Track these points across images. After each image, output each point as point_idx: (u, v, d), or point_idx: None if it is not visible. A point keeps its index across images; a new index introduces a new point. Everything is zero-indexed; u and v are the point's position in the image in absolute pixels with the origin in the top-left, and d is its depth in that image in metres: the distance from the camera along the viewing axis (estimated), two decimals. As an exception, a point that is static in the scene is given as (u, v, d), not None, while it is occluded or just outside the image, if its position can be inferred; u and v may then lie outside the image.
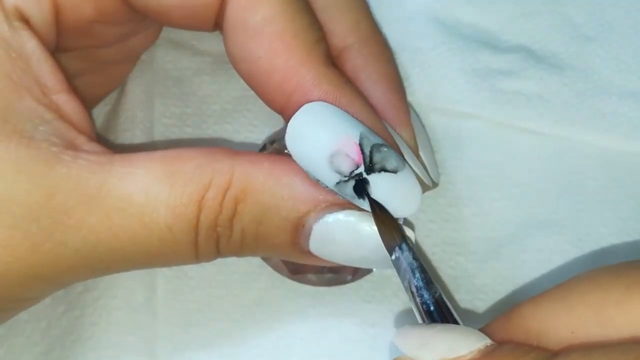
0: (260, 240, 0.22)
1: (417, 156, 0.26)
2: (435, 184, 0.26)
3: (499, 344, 0.19)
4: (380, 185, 0.21)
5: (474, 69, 0.29)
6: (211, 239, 0.22)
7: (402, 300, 0.27)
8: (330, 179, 0.21)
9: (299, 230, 0.22)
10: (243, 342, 0.26)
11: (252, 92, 0.30)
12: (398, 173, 0.21)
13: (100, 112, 0.30)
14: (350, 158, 0.21)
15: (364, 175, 0.21)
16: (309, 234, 0.22)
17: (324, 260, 0.23)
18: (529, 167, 0.29)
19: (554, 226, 0.28)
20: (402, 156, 0.22)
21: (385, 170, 0.21)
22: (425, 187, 0.25)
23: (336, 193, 0.21)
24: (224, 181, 0.21)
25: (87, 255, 0.21)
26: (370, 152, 0.21)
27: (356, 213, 0.22)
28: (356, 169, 0.21)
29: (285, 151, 0.22)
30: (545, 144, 0.29)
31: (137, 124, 0.29)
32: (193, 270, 0.27)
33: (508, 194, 0.28)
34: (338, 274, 0.27)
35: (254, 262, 0.27)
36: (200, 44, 0.31)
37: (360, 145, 0.21)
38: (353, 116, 0.22)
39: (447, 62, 0.30)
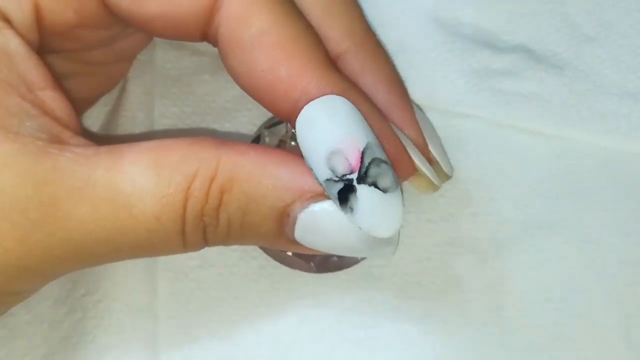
0: (246, 229, 0.22)
1: (427, 153, 0.26)
2: (448, 177, 0.27)
3: None
4: (365, 198, 0.21)
5: (474, 69, 0.29)
6: (198, 228, 0.22)
7: (402, 300, 0.27)
8: (322, 173, 0.21)
9: (284, 220, 0.22)
10: (243, 343, 0.27)
11: (251, 91, 0.30)
12: (387, 193, 0.21)
13: (100, 112, 0.30)
14: (348, 162, 0.21)
15: (354, 182, 0.21)
16: (294, 223, 0.22)
17: (310, 249, 0.23)
18: (528, 167, 0.29)
19: (554, 226, 0.28)
20: (398, 180, 0.22)
21: (376, 186, 0.21)
22: (435, 186, 0.26)
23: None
24: (210, 171, 0.21)
25: (76, 246, 0.21)
26: (369, 164, 0.21)
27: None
28: (349, 174, 0.21)
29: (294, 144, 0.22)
30: (545, 144, 0.29)
31: (138, 124, 0.29)
32: (193, 272, 0.27)
33: (508, 194, 0.28)
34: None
35: (253, 264, 0.28)
36: (200, 44, 0.30)
37: (362, 153, 0.21)
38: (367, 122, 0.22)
39: (447, 63, 0.30)
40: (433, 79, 0.29)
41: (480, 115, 0.29)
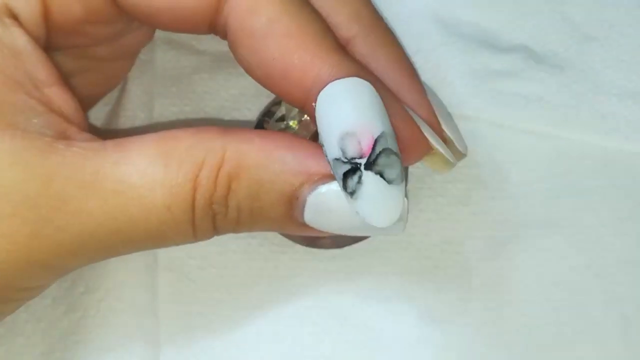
0: (256, 215, 0.22)
1: (441, 132, 0.25)
2: (463, 155, 0.26)
3: None
4: (369, 185, 0.21)
5: (474, 70, 0.29)
6: (208, 216, 0.22)
7: (401, 300, 0.27)
8: (332, 151, 0.21)
9: (293, 203, 0.22)
10: (243, 344, 0.27)
11: (250, 90, 0.30)
12: (391, 185, 0.21)
13: (100, 112, 0.30)
14: (359, 146, 0.21)
15: (361, 168, 0.21)
16: (304, 206, 0.22)
17: (320, 231, 0.23)
18: (528, 167, 0.29)
19: (553, 226, 0.28)
20: (406, 175, 0.22)
21: (382, 176, 0.21)
22: (450, 164, 0.26)
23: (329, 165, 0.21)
24: (217, 159, 0.21)
25: (87, 239, 0.21)
26: (379, 153, 0.21)
27: None
28: (358, 158, 0.21)
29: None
30: (545, 144, 0.29)
31: (138, 124, 0.29)
32: (194, 273, 0.27)
33: (507, 194, 0.28)
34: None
35: (254, 265, 0.28)
36: (199, 44, 0.31)
37: (376, 141, 0.21)
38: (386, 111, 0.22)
39: (447, 64, 0.29)
40: (433, 82, 0.29)
41: (479, 117, 0.29)
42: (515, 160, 0.29)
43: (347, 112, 0.21)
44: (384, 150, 0.21)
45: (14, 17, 0.22)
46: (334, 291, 0.27)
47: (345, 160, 0.21)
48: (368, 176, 0.21)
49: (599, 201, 0.28)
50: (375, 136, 0.21)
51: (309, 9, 0.23)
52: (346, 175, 0.21)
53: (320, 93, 0.21)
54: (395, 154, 0.21)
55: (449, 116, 0.27)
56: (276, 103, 0.28)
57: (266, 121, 0.28)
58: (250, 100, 0.30)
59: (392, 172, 0.21)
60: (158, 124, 0.29)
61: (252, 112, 0.30)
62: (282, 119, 0.27)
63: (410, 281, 0.27)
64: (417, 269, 0.28)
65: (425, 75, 0.29)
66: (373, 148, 0.21)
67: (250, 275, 0.27)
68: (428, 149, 0.24)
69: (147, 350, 0.26)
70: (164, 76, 0.30)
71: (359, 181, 0.21)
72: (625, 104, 0.29)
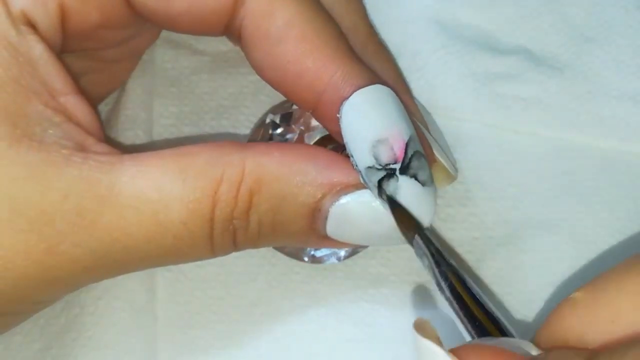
0: (278, 229, 0.22)
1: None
2: (453, 177, 0.27)
3: (546, 351, 0.19)
4: (405, 189, 0.21)
5: (474, 72, 0.29)
6: (227, 232, 0.22)
7: (399, 299, 0.27)
8: (364, 160, 0.21)
9: (315, 215, 0.22)
10: (242, 343, 0.27)
11: (249, 89, 0.30)
12: (425, 187, 0.21)
13: (100, 111, 0.30)
14: (393, 151, 0.21)
15: (397, 173, 0.21)
16: (326, 218, 0.22)
17: (342, 243, 0.23)
18: (526, 168, 0.29)
19: (552, 226, 0.28)
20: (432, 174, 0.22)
21: (416, 179, 0.21)
22: (452, 177, 0.26)
23: (354, 173, 0.21)
24: (236, 174, 0.21)
25: (102, 255, 0.21)
26: (411, 157, 0.21)
27: (369, 192, 0.22)
28: (393, 164, 0.21)
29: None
30: (543, 145, 0.29)
31: (138, 124, 0.29)
32: (192, 271, 0.27)
33: (506, 194, 0.28)
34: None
35: (252, 263, 0.28)
36: (199, 44, 0.31)
37: (406, 145, 0.21)
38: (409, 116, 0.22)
39: (447, 66, 0.30)
40: (433, 84, 0.29)
41: (479, 120, 0.29)
42: (515, 161, 0.29)
43: (376, 120, 0.21)
44: (415, 153, 0.21)
45: (32, 24, 0.22)
46: (333, 290, 0.27)
47: (379, 167, 0.21)
48: (404, 180, 0.21)
49: (596, 201, 0.28)
50: (406, 140, 0.21)
51: (324, 14, 0.23)
52: (380, 182, 0.21)
53: (345, 103, 0.21)
54: (424, 156, 0.22)
55: (441, 136, 0.27)
56: (260, 125, 0.28)
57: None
58: (249, 99, 0.30)
59: (424, 174, 0.21)
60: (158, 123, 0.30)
61: (250, 110, 0.30)
62: (271, 138, 0.27)
63: (409, 281, 0.27)
64: (416, 269, 0.27)
65: (425, 78, 0.29)
66: (405, 152, 0.21)
67: (249, 273, 0.27)
68: (433, 161, 0.24)
69: (144, 347, 0.26)
70: (164, 76, 0.30)
71: (396, 186, 0.21)
72: (624, 105, 0.29)
